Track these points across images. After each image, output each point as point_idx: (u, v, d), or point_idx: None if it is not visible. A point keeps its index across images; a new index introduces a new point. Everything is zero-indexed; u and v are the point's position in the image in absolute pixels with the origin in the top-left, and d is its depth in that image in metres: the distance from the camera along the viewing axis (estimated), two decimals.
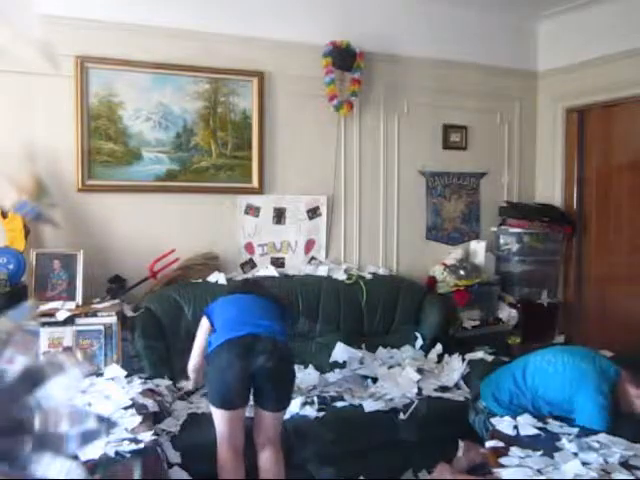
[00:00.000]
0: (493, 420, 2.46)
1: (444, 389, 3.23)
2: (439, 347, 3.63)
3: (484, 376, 2.94)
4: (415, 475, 2.93)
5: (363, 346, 3.58)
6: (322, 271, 3.81)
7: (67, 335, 2.91)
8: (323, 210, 3.98)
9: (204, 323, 2.74)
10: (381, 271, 4.06)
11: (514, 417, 2.44)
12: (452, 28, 4.28)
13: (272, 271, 3.73)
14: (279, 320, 2.66)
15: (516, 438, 2.25)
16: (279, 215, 3.87)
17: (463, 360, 3.43)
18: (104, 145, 3.42)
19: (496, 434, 2.30)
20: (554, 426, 2.34)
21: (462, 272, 4.09)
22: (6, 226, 3.11)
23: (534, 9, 4.40)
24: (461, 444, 2.75)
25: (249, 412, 2.54)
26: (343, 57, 3.82)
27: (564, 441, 2.17)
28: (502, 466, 2.02)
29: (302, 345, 3.45)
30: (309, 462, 2.67)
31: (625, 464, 2.01)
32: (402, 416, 2.92)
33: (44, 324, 2.85)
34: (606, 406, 2.38)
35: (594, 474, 1.93)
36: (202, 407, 2.81)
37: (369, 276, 3.90)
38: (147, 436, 2.23)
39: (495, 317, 4.18)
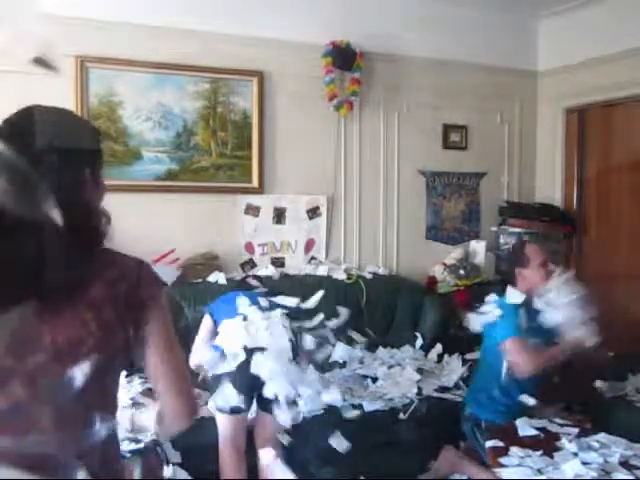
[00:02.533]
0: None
1: (444, 389, 3.24)
2: (439, 347, 3.63)
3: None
4: (415, 475, 2.93)
5: (363, 346, 3.58)
6: (322, 271, 3.81)
7: None
8: (323, 210, 3.98)
9: (207, 321, 2.72)
10: (381, 271, 4.06)
11: (497, 420, 2.50)
12: (452, 28, 4.28)
13: (272, 271, 3.73)
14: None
15: (516, 438, 2.25)
16: (279, 215, 3.87)
17: (463, 360, 3.44)
18: (104, 145, 3.41)
19: (496, 434, 2.30)
20: (554, 426, 2.34)
21: (462, 272, 4.09)
22: None
23: (534, 9, 4.40)
24: (462, 445, 2.76)
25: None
26: (343, 57, 3.82)
27: (564, 441, 2.17)
28: (502, 466, 2.02)
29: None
30: (309, 462, 2.67)
31: (625, 464, 2.01)
32: (402, 416, 2.92)
33: None
34: (515, 312, 2.59)
35: (594, 474, 1.93)
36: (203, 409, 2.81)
37: (369, 276, 3.90)
38: (147, 436, 2.23)
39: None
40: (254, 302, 2.63)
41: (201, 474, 2.47)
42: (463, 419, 2.80)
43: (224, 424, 2.45)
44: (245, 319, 2.53)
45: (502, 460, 2.05)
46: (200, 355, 2.71)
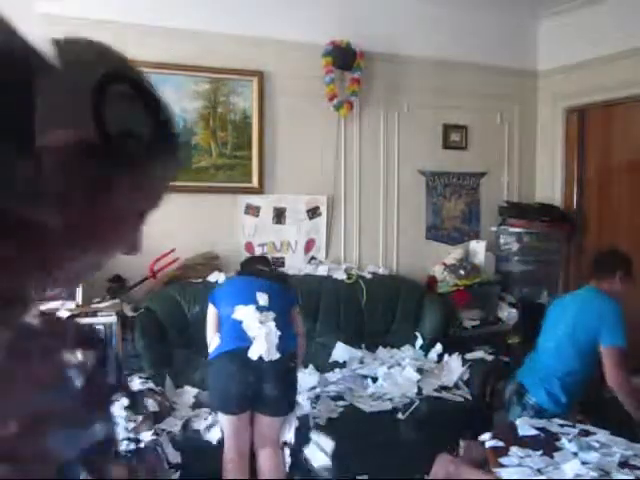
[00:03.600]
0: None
1: (444, 389, 3.24)
2: (439, 347, 3.63)
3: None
4: (415, 475, 2.93)
5: (363, 346, 3.58)
6: (322, 271, 3.81)
7: None
8: (323, 210, 3.98)
9: (211, 310, 2.74)
10: (381, 271, 4.06)
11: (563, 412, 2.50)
12: (452, 28, 4.28)
13: None
14: (285, 316, 2.64)
15: (516, 438, 2.25)
16: (279, 215, 3.87)
17: (463, 360, 3.44)
18: None
19: (496, 434, 2.30)
20: (554, 426, 2.34)
21: (462, 272, 4.08)
22: None
23: (534, 9, 4.40)
24: (462, 443, 2.75)
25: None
26: (343, 57, 3.82)
27: (564, 441, 2.17)
28: (502, 466, 2.02)
29: None
30: (309, 462, 2.67)
31: (625, 464, 2.01)
32: (402, 416, 2.92)
33: None
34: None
35: (594, 474, 1.93)
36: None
37: (369, 276, 3.90)
38: (147, 436, 2.23)
39: (495, 317, 4.18)
40: (252, 301, 2.63)
41: (203, 474, 2.47)
42: (522, 407, 2.70)
43: (226, 424, 2.46)
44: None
45: (502, 460, 2.05)
46: (214, 342, 2.72)
